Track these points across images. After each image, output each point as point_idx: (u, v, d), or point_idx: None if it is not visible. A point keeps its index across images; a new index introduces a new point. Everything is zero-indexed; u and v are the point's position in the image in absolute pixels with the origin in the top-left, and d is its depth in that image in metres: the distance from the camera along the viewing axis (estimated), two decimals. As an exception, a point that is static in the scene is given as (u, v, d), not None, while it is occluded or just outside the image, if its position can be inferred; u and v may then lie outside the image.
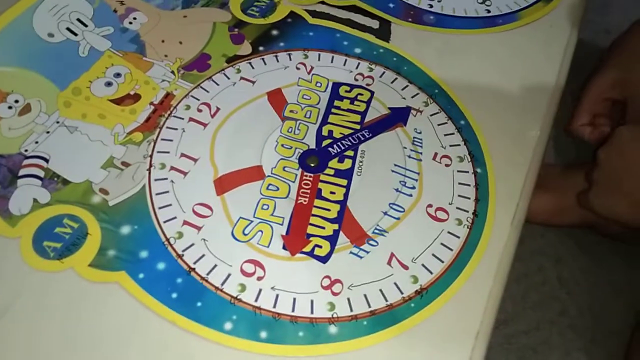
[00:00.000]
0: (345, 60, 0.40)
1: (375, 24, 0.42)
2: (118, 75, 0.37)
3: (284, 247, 0.31)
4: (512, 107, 0.39)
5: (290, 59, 0.39)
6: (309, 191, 0.33)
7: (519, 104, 0.39)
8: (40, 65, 0.36)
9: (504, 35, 0.43)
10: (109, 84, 0.36)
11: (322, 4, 0.43)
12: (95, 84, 0.36)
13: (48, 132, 0.34)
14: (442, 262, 0.31)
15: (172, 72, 0.38)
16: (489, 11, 0.44)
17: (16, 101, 0.35)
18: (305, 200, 0.33)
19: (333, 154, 0.35)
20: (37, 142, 0.33)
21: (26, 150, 0.33)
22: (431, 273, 0.31)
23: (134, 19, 0.40)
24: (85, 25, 0.39)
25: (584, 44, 0.48)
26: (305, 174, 0.34)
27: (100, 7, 0.40)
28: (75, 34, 0.38)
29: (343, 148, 0.35)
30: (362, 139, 0.36)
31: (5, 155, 0.33)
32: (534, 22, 0.44)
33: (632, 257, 0.50)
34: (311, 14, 0.42)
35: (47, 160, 0.33)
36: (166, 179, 0.33)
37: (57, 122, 0.34)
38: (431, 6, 0.44)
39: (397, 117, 0.37)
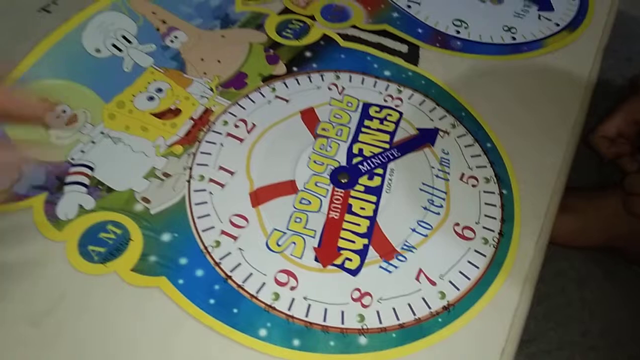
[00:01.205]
0: (375, 82, 0.41)
1: (404, 48, 0.44)
2: (160, 90, 0.39)
3: (315, 259, 0.32)
4: (536, 131, 0.40)
5: (323, 80, 0.41)
6: (340, 206, 0.34)
7: (543, 129, 0.40)
8: (87, 79, 0.38)
9: (528, 62, 0.44)
10: (151, 98, 0.38)
11: (354, 28, 0.45)
12: (138, 98, 0.38)
13: (93, 142, 0.36)
14: (469, 279, 0.32)
15: (211, 89, 0.39)
16: (514, 38, 0.46)
17: (64, 111, 0.37)
18: (336, 215, 0.34)
19: (363, 171, 0.37)
20: (83, 152, 0.35)
21: (73, 159, 0.35)
22: (458, 289, 0.32)
23: (175, 37, 0.42)
24: (130, 42, 0.41)
25: (607, 71, 0.49)
26: (336, 189, 0.35)
27: (144, 26, 0.42)
28: (120, 50, 0.40)
29: (373, 166, 0.37)
30: (391, 157, 0.37)
31: (54, 162, 0.34)
32: (558, 50, 0.45)
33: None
34: (343, 37, 0.44)
35: (92, 169, 0.34)
36: (205, 190, 0.34)
37: (102, 133, 0.36)
38: (458, 32, 0.46)
39: (426, 137, 0.39)
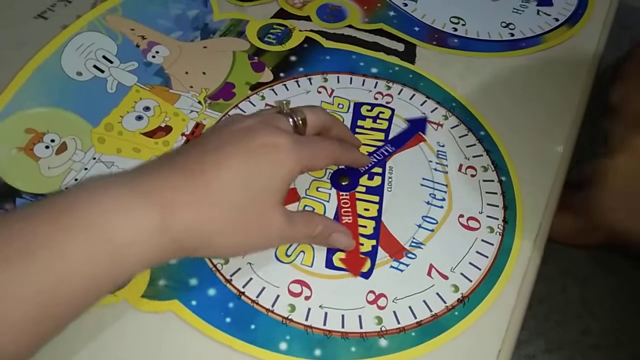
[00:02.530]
0: (364, 80, 0.41)
1: (400, 47, 0.44)
2: (147, 108, 0.38)
3: (339, 269, 0.32)
4: (535, 128, 0.39)
5: (311, 84, 0.41)
6: (350, 210, 0.34)
7: (542, 125, 0.39)
8: (71, 104, 0.37)
9: (527, 59, 0.44)
10: (139, 117, 0.38)
11: (350, 28, 0.44)
12: (126, 118, 0.37)
13: (86, 169, 0.35)
14: (480, 269, 0.33)
15: (199, 102, 0.39)
16: (512, 35, 0.45)
17: (52, 140, 0.36)
18: (349, 219, 0.34)
19: (361, 170, 0.36)
20: (76, 180, 0.34)
21: (67, 188, 0.34)
22: (470, 281, 0.32)
23: (157, 52, 0.41)
24: (111, 62, 0.40)
25: (610, 64, 0.49)
26: (341, 194, 0.35)
27: (124, 44, 0.41)
28: (102, 71, 0.39)
29: (370, 164, 0.37)
30: (386, 153, 0.37)
31: (47, 194, 0.34)
32: (557, 45, 0.45)
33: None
34: (325, 37, 0.44)
35: (88, 197, 0.34)
36: (206, 207, 0.34)
37: (94, 159, 0.35)
38: (455, 30, 0.45)
39: (416, 127, 0.39)
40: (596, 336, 0.48)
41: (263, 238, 0.29)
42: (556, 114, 0.40)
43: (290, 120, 0.32)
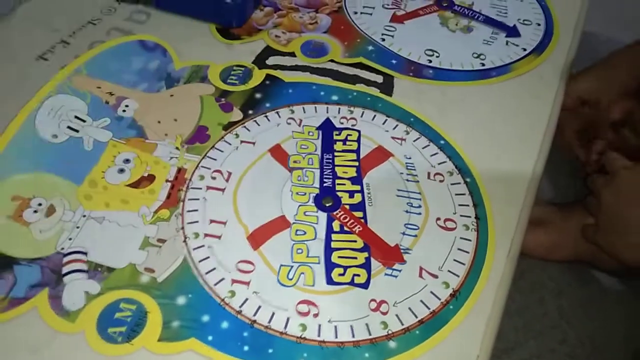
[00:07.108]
0: (327, 108, 0.44)
1: (379, 79, 0.47)
2: (127, 161, 0.39)
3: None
4: (506, 149, 0.43)
5: (279, 116, 0.43)
6: (354, 221, 0.37)
7: (512, 146, 0.43)
8: (52, 166, 0.38)
9: (497, 86, 0.47)
10: (121, 170, 0.39)
11: (332, 62, 0.48)
12: (108, 173, 0.38)
13: (78, 227, 0.35)
14: (464, 264, 0.36)
15: (177, 148, 0.40)
16: (483, 64, 0.49)
17: (39, 204, 0.36)
18: (360, 228, 0.37)
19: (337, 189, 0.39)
20: (70, 239, 0.35)
21: (62, 249, 0.34)
22: (458, 276, 0.35)
23: (126, 106, 0.42)
24: (84, 121, 0.41)
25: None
26: (336, 213, 0.37)
27: (93, 102, 0.42)
28: (77, 131, 0.40)
29: (331, 173, 0.40)
30: (330, 160, 0.41)
31: (44, 257, 0.34)
32: (525, 73, 0.49)
33: (630, 291, 0.53)
34: (286, 73, 0.47)
35: (85, 254, 0.34)
36: (203, 245, 0.35)
37: (84, 216, 0.36)
38: (430, 61, 0.49)
39: (326, 129, 0.43)
40: (573, 345, 0.50)
41: None
42: (525, 136, 0.44)
43: None
